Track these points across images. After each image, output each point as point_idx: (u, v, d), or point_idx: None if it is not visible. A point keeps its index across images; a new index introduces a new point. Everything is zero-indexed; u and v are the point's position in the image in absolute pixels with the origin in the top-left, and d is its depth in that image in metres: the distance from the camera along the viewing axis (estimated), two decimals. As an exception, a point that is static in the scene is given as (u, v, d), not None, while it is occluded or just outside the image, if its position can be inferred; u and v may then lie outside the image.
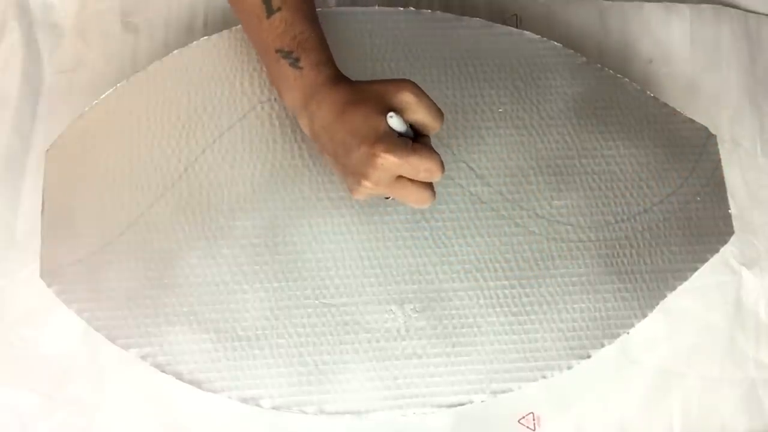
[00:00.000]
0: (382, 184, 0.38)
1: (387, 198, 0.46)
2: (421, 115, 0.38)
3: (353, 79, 0.41)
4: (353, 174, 0.39)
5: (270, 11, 0.42)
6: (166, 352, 0.44)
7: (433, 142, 0.48)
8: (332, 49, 0.45)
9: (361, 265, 0.46)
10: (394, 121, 0.37)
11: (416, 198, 0.39)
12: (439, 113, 0.39)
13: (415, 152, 0.37)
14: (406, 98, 0.38)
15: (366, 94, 0.39)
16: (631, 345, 0.55)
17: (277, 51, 0.42)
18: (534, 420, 0.53)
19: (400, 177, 0.38)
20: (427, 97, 0.39)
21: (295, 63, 0.41)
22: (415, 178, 0.38)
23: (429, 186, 0.39)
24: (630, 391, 0.54)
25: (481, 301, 0.46)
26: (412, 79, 0.39)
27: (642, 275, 0.48)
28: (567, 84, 0.51)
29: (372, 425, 0.52)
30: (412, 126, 0.39)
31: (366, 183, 0.38)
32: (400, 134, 0.38)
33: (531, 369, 0.46)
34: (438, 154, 0.38)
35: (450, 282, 0.47)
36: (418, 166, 0.37)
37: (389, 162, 0.36)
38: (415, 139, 0.39)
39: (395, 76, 0.49)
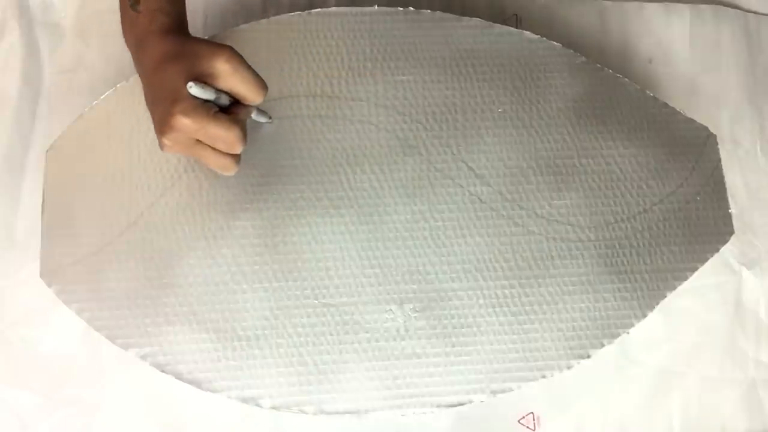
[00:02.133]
0: (180, 145, 0.38)
1: None
2: (235, 84, 0.38)
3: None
4: (157, 129, 0.39)
5: None
6: (166, 352, 0.44)
7: (433, 142, 0.48)
8: (332, 48, 0.45)
9: (360, 265, 0.46)
10: (195, 90, 0.37)
11: (215, 164, 0.39)
12: (259, 85, 0.39)
13: (214, 121, 0.37)
14: (220, 66, 0.37)
15: (185, 53, 0.38)
16: (631, 345, 0.55)
17: None
18: (534, 420, 0.53)
19: (200, 141, 0.38)
20: (246, 67, 0.38)
21: (134, 5, 0.41)
22: (213, 146, 0.38)
23: (231, 157, 0.39)
24: (630, 391, 0.54)
25: (481, 301, 0.46)
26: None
27: (642, 275, 0.48)
28: (567, 84, 0.51)
29: (372, 425, 0.52)
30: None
31: (164, 140, 0.38)
32: (208, 100, 0.37)
33: (531, 369, 0.46)
34: (239, 127, 0.38)
35: (450, 282, 0.47)
36: (216, 136, 0.37)
37: (183, 125, 0.36)
38: (231, 107, 0.39)
39: (395, 76, 0.49)
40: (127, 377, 0.51)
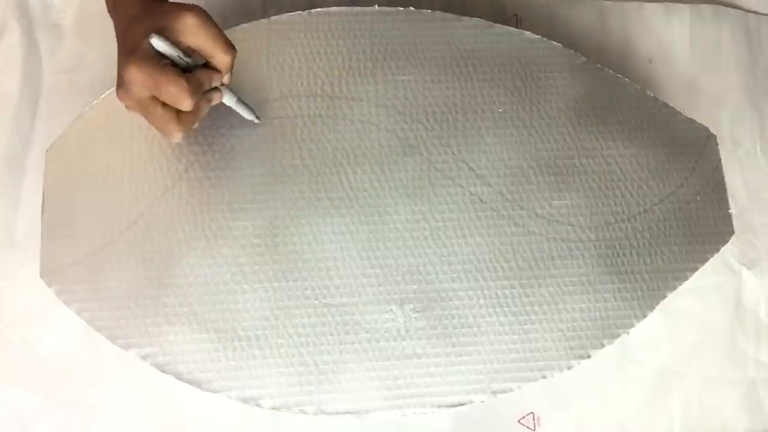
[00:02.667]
0: (134, 100, 0.38)
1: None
2: (200, 40, 0.38)
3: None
4: (116, 85, 0.38)
5: None
6: (166, 352, 0.44)
7: (434, 142, 0.48)
8: (332, 48, 0.45)
9: (361, 265, 0.46)
10: (155, 42, 0.37)
11: (158, 124, 0.39)
12: (226, 44, 0.39)
13: (162, 71, 0.36)
14: (188, 20, 0.38)
15: (153, 10, 0.39)
16: (631, 345, 0.55)
17: None
18: (534, 420, 0.53)
19: (153, 98, 0.38)
20: (213, 24, 0.38)
21: None
22: (162, 99, 0.38)
23: (175, 116, 0.39)
24: (630, 391, 0.54)
25: (481, 301, 0.46)
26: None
27: (642, 275, 0.48)
28: (567, 84, 0.51)
29: (372, 425, 0.52)
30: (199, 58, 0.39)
31: (120, 93, 0.38)
32: (171, 59, 0.37)
33: (531, 369, 0.46)
34: (185, 80, 0.37)
35: (450, 282, 0.47)
36: (162, 87, 0.37)
37: (133, 75, 0.36)
38: (192, 69, 0.39)
39: (395, 76, 0.49)
40: (127, 377, 0.51)
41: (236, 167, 0.47)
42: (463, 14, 0.51)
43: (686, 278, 0.49)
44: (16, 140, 0.55)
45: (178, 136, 0.40)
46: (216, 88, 0.42)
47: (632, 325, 0.47)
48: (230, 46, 0.40)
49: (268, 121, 0.48)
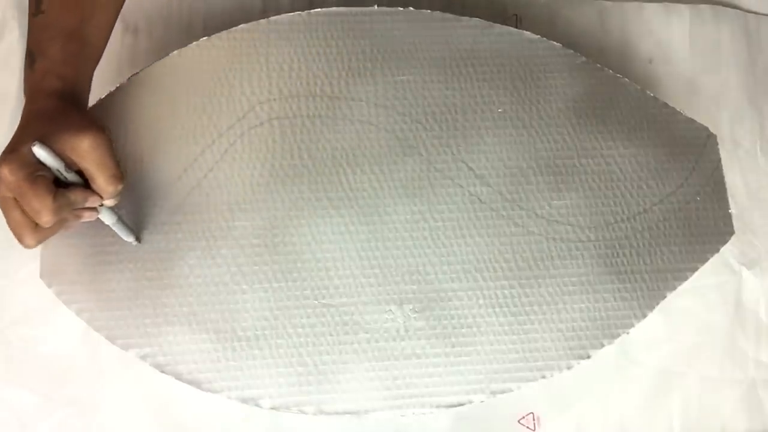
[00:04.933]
0: None
1: None
2: (89, 164, 0.38)
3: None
4: None
5: (36, 10, 0.42)
6: (166, 352, 0.44)
7: (433, 142, 0.48)
8: (332, 48, 0.45)
9: (360, 265, 0.46)
10: (36, 149, 0.36)
11: (12, 227, 0.38)
12: (113, 174, 0.39)
13: (31, 181, 0.35)
14: (84, 141, 0.37)
15: (57, 118, 0.38)
16: (631, 345, 0.55)
17: (27, 47, 0.42)
18: (534, 420, 0.53)
19: (15, 199, 0.37)
20: (108, 153, 0.38)
21: (31, 63, 0.41)
22: (24, 208, 0.37)
23: (32, 226, 0.37)
24: (630, 391, 0.54)
25: (481, 301, 0.46)
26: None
27: (642, 275, 0.48)
28: (567, 84, 0.51)
29: (371, 425, 0.52)
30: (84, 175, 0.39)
31: None
32: (52, 170, 0.37)
33: (531, 369, 0.46)
34: (53, 199, 0.36)
35: (449, 282, 0.47)
36: (25, 198, 0.36)
37: (3, 174, 0.35)
38: (72, 186, 0.38)
39: (395, 77, 0.49)
40: (126, 377, 0.51)
41: (235, 167, 0.47)
42: (463, 14, 0.51)
43: (686, 278, 0.49)
44: (16, 140, 0.55)
45: (30, 245, 0.38)
46: (93, 207, 0.41)
47: (632, 325, 0.47)
48: (116, 179, 0.39)
49: (268, 121, 0.48)
